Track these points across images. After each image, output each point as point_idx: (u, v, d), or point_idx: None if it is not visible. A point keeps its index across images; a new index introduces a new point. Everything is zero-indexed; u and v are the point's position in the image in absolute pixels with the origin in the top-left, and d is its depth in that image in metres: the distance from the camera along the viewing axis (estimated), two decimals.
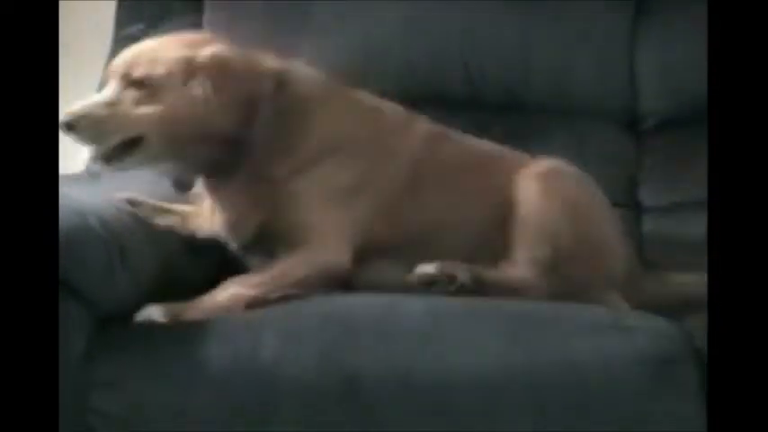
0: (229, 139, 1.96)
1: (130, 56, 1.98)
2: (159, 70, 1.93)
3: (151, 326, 1.84)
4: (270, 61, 2.05)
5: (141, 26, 2.50)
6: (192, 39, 2.03)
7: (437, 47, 2.47)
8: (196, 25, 2.49)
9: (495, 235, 2.10)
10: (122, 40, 2.47)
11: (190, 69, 1.93)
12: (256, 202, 2.01)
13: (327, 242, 1.99)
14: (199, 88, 1.93)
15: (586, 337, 1.82)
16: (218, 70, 1.94)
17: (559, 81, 2.49)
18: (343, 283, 1.99)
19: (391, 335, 1.81)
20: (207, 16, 2.51)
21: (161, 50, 1.97)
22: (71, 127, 1.88)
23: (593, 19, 2.50)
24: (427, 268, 1.99)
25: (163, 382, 1.79)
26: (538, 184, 2.09)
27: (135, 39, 2.43)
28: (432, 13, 2.48)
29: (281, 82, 2.02)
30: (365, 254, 2.02)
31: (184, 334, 1.82)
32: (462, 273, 1.99)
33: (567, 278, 2.03)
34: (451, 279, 1.98)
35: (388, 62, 2.47)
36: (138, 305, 1.87)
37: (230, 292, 1.92)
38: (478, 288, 1.99)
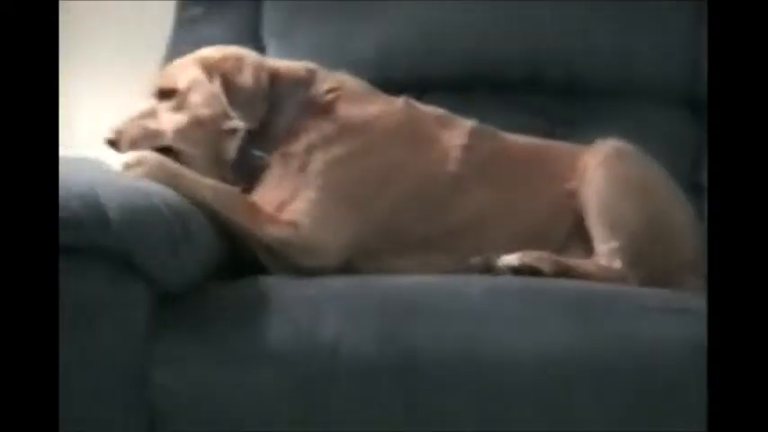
0: (252, 132, 2.05)
1: (164, 71, 2.14)
2: (183, 78, 2.07)
3: (212, 303, 1.85)
4: (294, 64, 2.15)
5: (201, 9, 2.50)
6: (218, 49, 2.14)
7: (496, 30, 2.47)
8: (255, 10, 2.49)
9: (552, 227, 2.10)
10: (183, 22, 2.52)
11: (208, 70, 2.05)
12: (279, 181, 2.03)
13: (319, 235, 1.98)
14: (217, 86, 2.04)
15: (650, 318, 1.81)
16: (235, 59, 2.06)
17: (620, 63, 2.48)
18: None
19: (450, 315, 1.81)
20: (266, 2, 2.50)
21: (186, 62, 2.10)
22: (113, 144, 2.06)
23: (655, 4, 2.49)
24: (510, 259, 1.98)
25: (223, 359, 1.79)
26: (603, 170, 2.09)
27: (194, 21, 2.48)
28: None
29: (306, 80, 2.10)
30: (397, 244, 2.02)
31: (245, 311, 1.83)
32: (547, 265, 1.98)
33: (645, 262, 2.03)
34: (534, 272, 1.97)
35: (447, 46, 2.46)
36: (200, 283, 1.88)
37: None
38: (561, 276, 1.99)
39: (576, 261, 2.03)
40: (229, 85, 2.04)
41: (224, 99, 2.04)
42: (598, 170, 2.09)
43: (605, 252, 2.05)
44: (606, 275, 2.01)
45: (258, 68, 2.06)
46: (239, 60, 2.07)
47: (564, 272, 1.99)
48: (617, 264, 2.04)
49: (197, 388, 1.78)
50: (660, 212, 2.10)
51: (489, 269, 1.99)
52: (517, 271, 1.97)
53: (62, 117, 2.66)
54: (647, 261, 2.04)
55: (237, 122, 2.04)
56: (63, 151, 1.95)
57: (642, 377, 1.76)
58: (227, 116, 2.05)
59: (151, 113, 2.08)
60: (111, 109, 2.17)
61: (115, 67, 2.72)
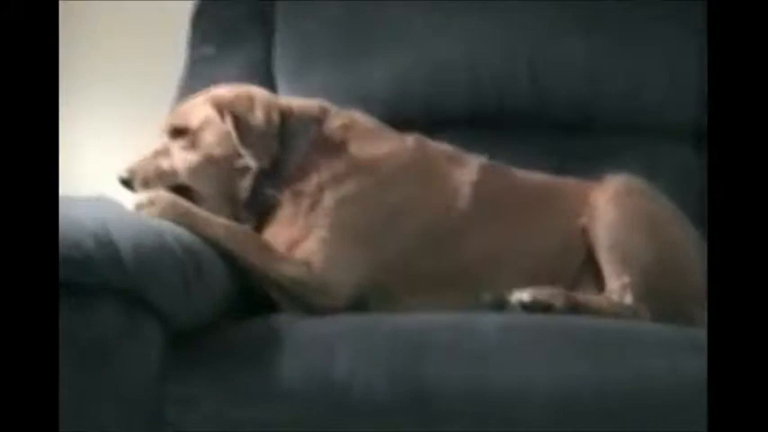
0: (264, 170, 2.07)
1: (176, 110, 2.16)
2: (196, 117, 2.09)
3: (225, 341, 1.86)
4: (306, 101, 2.16)
5: (212, 48, 2.51)
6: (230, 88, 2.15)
7: (505, 68, 2.48)
8: (267, 48, 2.50)
9: (563, 263, 2.11)
10: (195, 61, 2.52)
11: (219, 109, 2.07)
12: (291, 220, 2.04)
13: (330, 274, 1.98)
14: (228, 125, 2.06)
15: (658, 355, 1.82)
16: (246, 98, 2.08)
17: (628, 100, 2.48)
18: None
19: (461, 352, 1.81)
20: (278, 39, 2.51)
21: (199, 101, 2.12)
22: (127, 183, 2.09)
23: (664, 39, 2.49)
24: (522, 295, 1.99)
25: (236, 397, 1.79)
26: (613, 206, 2.09)
27: (207, 60, 2.49)
28: (499, 32, 2.48)
29: (318, 118, 2.12)
30: (408, 281, 2.02)
31: (257, 349, 1.83)
32: (558, 300, 1.99)
33: (656, 296, 2.04)
34: (546, 308, 1.97)
35: (456, 84, 2.47)
36: (212, 321, 1.88)
37: None
38: (572, 312, 1.99)
39: (588, 297, 2.03)
40: (240, 125, 2.05)
41: (235, 138, 2.04)
42: (608, 206, 2.09)
43: (616, 288, 2.04)
44: (618, 311, 2.01)
45: (269, 107, 2.08)
46: (250, 99, 2.09)
47: (575, 307, 1.98)
48: (628, 299, 2.03)
49: (210, 427, 1.79)
50: (670, 247, 2.10)
51: (501, 306, 1.99)
52: (528, 307, 1.97)
53: (71, 157, 2.70)
54: (658, 295, 2.03)
55: (249, 161, 2.04)
56: (78, 191, 1.97)
57: (657, 415, 1.78)
58: (238, 155, 2.06)
59: (164, 152, 2.10)
60: (123, 149, 2.17)
61: (125, 107, 2.72)
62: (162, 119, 2.16)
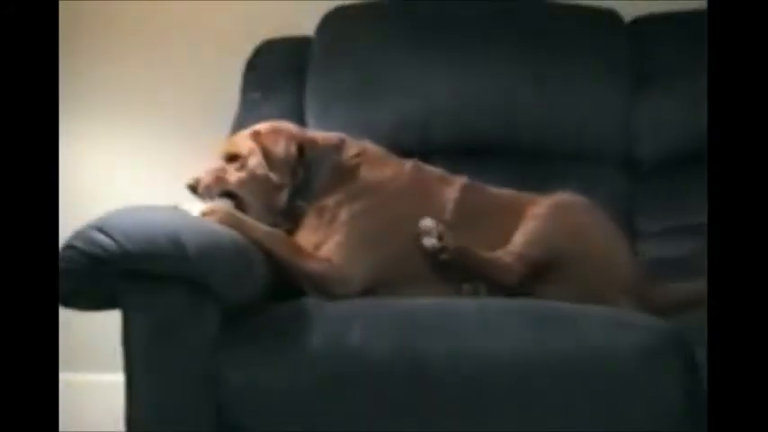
0: (294, 187, 2.08)
1: (230, 140, 2.17)
2: (244, 146, 2.10)
3: (266, 318, 1.86)
4: (329, 134, 2.16)
5: (259, 94, 2.50)
6: (269, 123, 2.15)
7: (482, 108, 2.45)
8: (300, 94, 2.50)
9: None
10: (245, 103, 2.50)
11: (256, 140, 2.08)
12: (316, 228, 2.04)
13: (346, 269, 1.97)
14: (258, 153, 2.07)
15: (598, 330, 1.82)
16: (274, 132, 2.09)
17: (575, 135, 2.46)
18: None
19: (448, 329, 1.82)
20: (308, 89, 2.49)
21: (245, 134, 2.13)
22: (192, 188, 2.09)
23: (601, 88, 2.47)
24: (428, 222, 1.99)
25: (273, 362, 1.81)
26: (544, 208, 2.07)
27: (254, 103, 2.49)
28: (478, 83, 2.46)
29: (338, 146, 2.11)
30: (406, 275, 2.00)
31: (291, 324, 1.84)
32: (451, 239, 1.98)
33: (574, 282, 1.99)
34: (440, 237, 1.97)
35: (444, 121, 2.45)
36: (258, 303, 1.89)
37: None
38: (460, 254, 1.98)
39: (476, 248, 2.00)
40: (268, 153, 2.08)
41: (264, 163, 2.07)
42: (540, 208, 2.07)
43: (507, 250, 2.01)
44: (496, 264, 1.99)
45: (290, 140, 2.09)
46: (277, 134, 2.10)
47: (462, 250, 1.98)
48: (507, 258, 2.00)
49: (253, 384, 1.80)
50: (593, 248, 2.05)
51: (476, 293, 2.00)
52: (428, 231, 1.97)
53: (155, 175, 2.69)
54: (578, 281, 1.99)
55: (274, 179, 2.06)
56: (156, 202, 1.99)
57: (595, 377, 1.77)
58: (275, 176, 2.08)
59: (221, 170, 2.11)
60: (187, 169, 2.19)
61: (189, 137, 2.73)
62: (218, 146, 2.17)
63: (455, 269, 2.00)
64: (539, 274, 2.01)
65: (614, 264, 2.07)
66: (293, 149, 2.08)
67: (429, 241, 1.98)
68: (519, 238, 2.02)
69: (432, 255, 1.98)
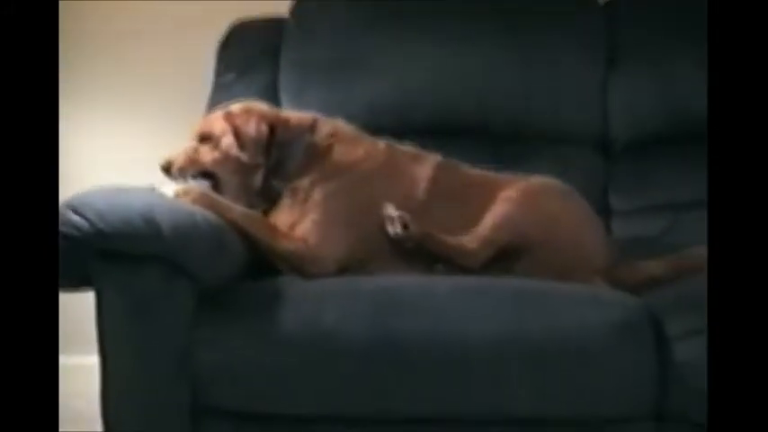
0: (269, 167, 2.07)
1: (204, 120, 2.16)
2: (217, 127, 2.10)
3: (241, 298, 1.86)
4: (301, 114, 2.17)
5: (233, 75, 2.50)
6: (241, 104, 2.15)
7: (457, 89, 2.45)
8: (275, 75, 2.49)
9: None
10: (218, 86, 2.49)
11: (228, 121, 2.08)
12: (291, 208, 2.05)
13: (321, 248, 1.97)
14: (230, 134, 2.07)
15: (570, 307, 1.84)
16: (245, 112, 2.09)
17: (550, 116, 2.46)
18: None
19: (424, 306, 1.84)
20: (282, 69, 2.48)
21: (217, 114, 2.13)
22: (166, 169, 2.09)
23: (575, 66, 2.46)
24: (391, 210, 1.99)
25: (249, 340, 1.81)
26: (516, 192, 2.06)
27: (228, 84, 2.48)
28: (453, 63, 2.46)
29: (311, 126, 2.12)
30: (380, 254, 2.01)
31: (265, 303, 1.85)
32: (415, 226, 1.98)
33: (544, 266, 2.00)
34: (405, 225, 1.98)
35: (419, 101, 2.45)
36: (232, 282, 1.89)
37: None
38: (424, 241, 1.98)
39: (441, 234, 2.00)
40: (239, 133, 2.07)
41: (234, 143, 2.07)
42: (511, 192, 2.06)
43: (473, 234, 2.01)
44: (459, 250, 2.00)
45: (262, 120, 2.08)
46: (248, 114, 2.09)
47: (426, 235, 1.98)
48: (472, 244, 2.00)
49: (227, 362, 1.81)
50: (563, 232, 2.05)
51: (450, 271, 2.00)
52: (392, 219, 1.97)
53: (126, 155, 2.67)
54: (548, 266, 2.00)
55: (243, 159, 2.06)
56: (129, 181, 1.97)
57: (568, 352, 1.80)
58: (249, 155, 2.07)
59: (194, 150, 2.11)
60: (162, 149, 2.18)
61: (163, 118, 2.72)
62: (191, 127, 2.16)
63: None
64: (508, 258, 2.02)
65: (585, 248, 2.07)
66: (264, 129, 2.08)
67: (393, 229, 1.98)
68: (487, 222, 2.03)
69: (397, 242, 1.99)
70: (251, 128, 2.08)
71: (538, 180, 2.13)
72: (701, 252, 2.01)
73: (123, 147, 2.72)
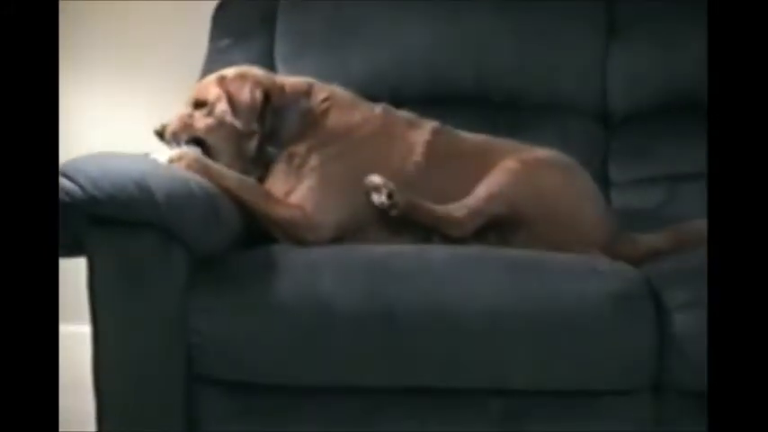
0: (263, 134, 2.05)
1: (198, 85, 2.14)
2: (212, 93, 2.08)
3: (236, 265, 1.85)
4: (296, 79, 2.14)
5: (228, 41, 2.47)
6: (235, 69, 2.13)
7: (455, 57, 2.43)
8: (270, 40, 2.46)
9: None
10: (213, 52, 2.48)
11: (221, 86, 2.06)
12: (287, 175, 2.03)
13: (318, 215, 1.96)
14: (222, 98, 2.05)
15: (569, 277, 1.83)
16: (239, 78, 2.07)
17: (549, 86, 2.45)
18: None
19: (420, 276, 1.82)
20: (278, 34, 2.46)
21: (211, 80, 2.11)
22: (159, 134, 2.08)
23: (575, 37, 2.45)
24: (377, 179, 1.97)
25: (243, 309, 1.80)
26: (515, 163, 2.04)
27: (223, 50, 2.45)
28: (451, 31, 2.44)
29: (306, 92, 2.10)
30: (376, 221, 1.99)
31: (260, 272, 1.83)
32: (400, 195, 1.96)
33: (540, 240, 1.97)
34: (390, 195, 1.96)
35: (416, 69, 2.43)
36: (227, 250, 1.87)
37: None
38: (410, 210, 1.96)
39: (427, 203, 1.98)
40: (232, 99, 2.05)
41: (228, 109, 2.04)
42: (509, 162, 2.03)
43: (463, 203, 1.99)
44: (446, 219, 1.97)
45: (256, 86, 2.06)
46: (242, 80, 2.07)
47: (413, 206, 1.96)
48: (460, 213, 1.98)
49: (222, 331, 1.79)
50: (564, 207, 2.02)
51: (448, 240, 1.98)
52: (377, 187, 1.95)
53: (119, 124, 2.65)
54: (544, 239, 1.97)
55: (237, 125, 2.04)
56: (126, 148, 1.95)
57: (566, 323, 1.79)
58: (243, 121, 2.05)
59: (188, 116, 2.09)
60: (156, 116, 2.15)
61: (158, 83, 2.70)
62: (187, 93, 2.14)
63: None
64: (504, 230, 2.00)
65: (584, 224, 2.05)
66: (258, 95, 2.06)
67: (378, 198, 1.96)
68: (480, 192, 2.00)
69: (382, 211, 1.97)
70: (245, 94, 2.05)
71: (540, 152, 2.11)
72: (699, 225, 2.03)
73: (120, 113, 2.70)
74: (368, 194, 1.97)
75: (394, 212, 1.96)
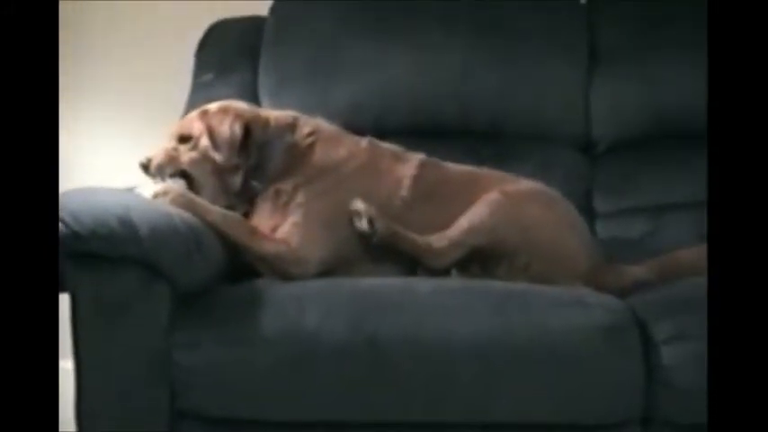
0: (248, 168, 2.05)
1: (182, 120, 2.14)
2: (194, 126, 2.08)
3: (220, 300, 1.84)
4: (281, 113, 2.14)
5: (212, 76, 2.47)
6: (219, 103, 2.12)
7: (438, 88, 2.43)
8: (254, 74, 2.46)
9: None
10: (197, 86, 2.47)
11: (206, 118, 2.06)
12: (272, 211, 2.02)
13: (303, 250, 1.94)
14: (204, 133, 2.05)
15: (556, 310, 1.83)
16: (221, 112, 2.07)
17: (531, 116, 2.44)
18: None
19: (405, 308, 1.82)
20: (261, 68, 2.45)
21: (194, 115, 2.11)
22: (144, 167, 2.07)
23: (557, 66, 2.44)
24: (359, 205, 1.96)
25: (228, 343, 1.78)
26: (498, 195, 2.02)
27: (207, 84, 2.45)
28: (432, 62, 2.43)
29: (291, 126, 2.09)
30: (363, 255, 1.98)
31: (246, 306, 1.82)
32: (381, 223, 1.95)
33: (523, 273, 1.97)
34: (371, 222, 1.95)
35: (398, 100, 2.43)
36: (211, 284, 1.86)
37: None
38: (390, 237, 1.96)
39: (408, 231, 1.97)
40: (213, 133, 2.04)
41: (208, 143, 2.04)
42: (493, 195, 2.02)
43: (444, 234, 1.97)
44: (426, 249, 1.96)
45: (236, 120, 2.05)
46: (224, 113, 2.06)
47: (393, 234, 1.96)
48: (440, 243, 1.97)
49: (207, 365, 1.77)
50: (546, 240, 2.01)
51: (432, 272, 1.97)
52: (359, 214, 1.94)
53: (103, 156, 2.64)
54: (527, 272, 1.96)
55: (217, 159, 2.03)
56: (111, 183, 1.94)
57: (553, 355, 1.78)
58: (226, 155, 2.03)
59: (174, 149, 2.08)
60: (140, 151, 2.14)
61: (140, 119, 2.69)
62: (170, 127, 2.13)
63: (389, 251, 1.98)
64: (487, 262, 1.99)
65: (567, 256, 2.03)
66: (237, 129, 2.05)
67: (360, 224, 1.96)
68: (461, 223, 1.99)
69: (363, 237, 1.97)
70: (224, 128, 2.05)
71: (523, 184, 2.11)
72: (684, 255, 2.03)
73: (105, 147, 2.69)
74: (351, 221, 1.96)
75: (374, 239, 1.95)
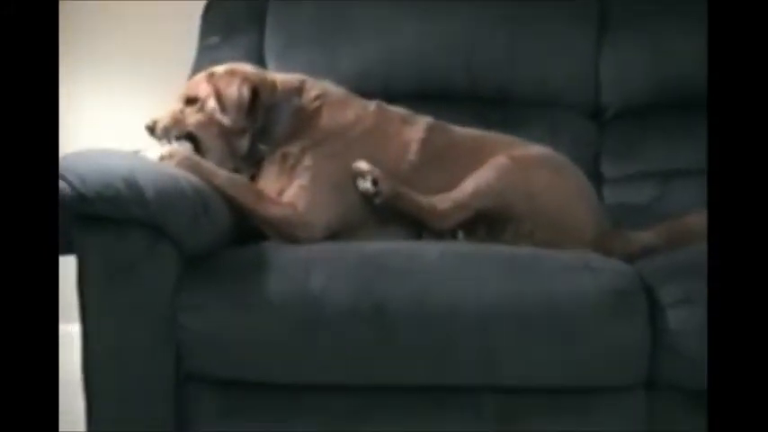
0: (255, 131, 2.03)
1: (189, 82, 2.13)
2: (202, 89, 2.06)
3: (226, 263, 1.83)
4: (288, 76, 2.12)
5: (218, 38, 2.45)
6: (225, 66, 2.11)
7: (445, 53, 2.41)
8: (260, 37, 2.44)
9: None
10: (203, 49, 2.46)
11: (213, 80, 2.04)
12: (279, 174, 2.00)
13: (310, 214, 1.94)
14: (211, 95, 2.04)
15: (563, 274, 1.82)
16: (228, 74, 2.05)
17: (540, 81, 2.43)
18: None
19: (412, 272, 1.80)
20: (268, 31, 2.44)
21: (201, 76, 2.09)
22: (150, 130, 2.05)
23: (567, 33, 2.43)
24: (363, 165, 1.96)
25: (233, 306, 1.78)
26: (505, 159, 2.01)
27: (213, 47, 2.43)
28: (441, 27, 2.41)
29: (298, 89, 2.08)
30: (370, 219, 1.97)
31: (251, 269, 1.81)
32: (385, 183, 1.95)
33: (529, 237, 1.96)
34: (375, 182, 1.95)
35: (406, 65, 2.42)
36: (217, 247, 1.85)
37: None
38: (394, 198, 1.95)
39: (412, 192, 1.97)
40: (220, 96, 2.03)
41: (216, 105, 2.02)
42: (502, 157, 2.01)
43: (448, 196, 1.97)
44: (429, 210, 1.96)
45: (244, 82, 2.03)
46: (231, 76, 2.05)
47: (398, 195, 1.95)
48: (444, 205, 1.96)
49: (212, 328, 1.77)
50: (553, 205, 1.99)
51: (437, 234, 1.96)
52: (363, 174, 1.94)
53: (109, 121, 2.64)
54: (533, 236, 1.96)
55: (224, 122, 2.02)
56: (118, 146, 1.93)
57: (560, 319, 1.77)
58: (233, 118, 2.02)
59: (179, 112, 2.07)
60: (147, 113, 2.13)
61: (148, 80, 2.67)
62: (178, 90, 2.12)
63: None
64: (493, 226, 1.98)
65: (574, 222, 2.02)
66: (245, 92, 2.03)
67: (363, 184, 1.95)
68: (467, 186, 1.98)
69: (367, 198, 1.96)
70: (232, 90, 2.03)
71: (532, 149, 2.09)
72: (692, 220, 2.01)
73: (111, 110, 2.68)
74: (355, 181, 1.96)
75: (378, 200, 1.94)
